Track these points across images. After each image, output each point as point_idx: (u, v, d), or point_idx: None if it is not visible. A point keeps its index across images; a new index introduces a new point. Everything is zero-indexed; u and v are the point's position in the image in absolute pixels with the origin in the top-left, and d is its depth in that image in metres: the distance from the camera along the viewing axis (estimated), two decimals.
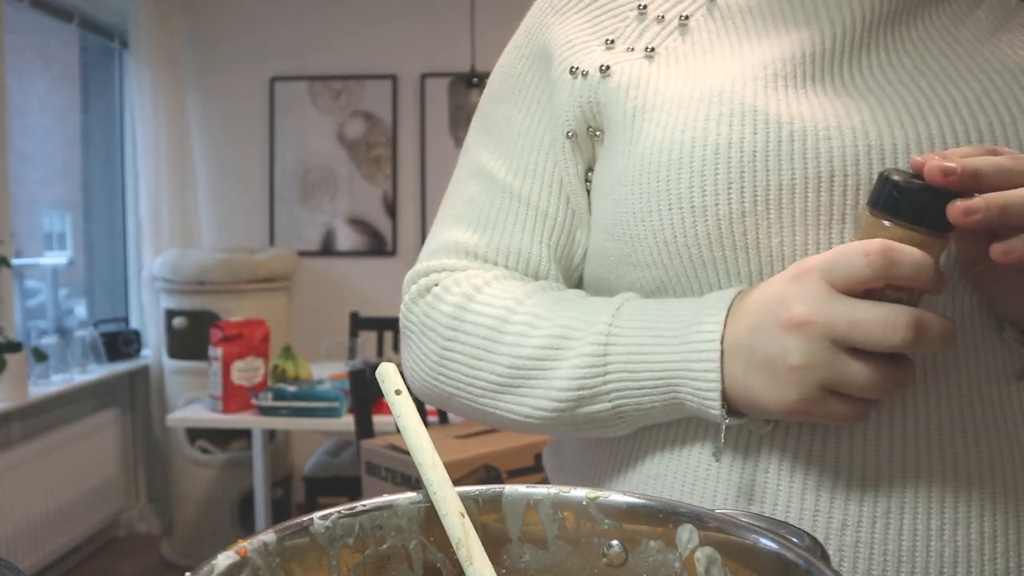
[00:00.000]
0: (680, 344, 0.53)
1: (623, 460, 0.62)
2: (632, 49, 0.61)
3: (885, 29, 0.57)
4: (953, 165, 0.43)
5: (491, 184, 0.67)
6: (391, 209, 3.76)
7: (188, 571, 0.34)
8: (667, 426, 0.59)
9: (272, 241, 3.78)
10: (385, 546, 0.42)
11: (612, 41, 0.62)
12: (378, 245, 3.77)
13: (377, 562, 0.41)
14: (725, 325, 0.51)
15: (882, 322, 0.44)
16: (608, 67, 0.60)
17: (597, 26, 0.63)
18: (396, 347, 3.48)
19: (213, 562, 0.36)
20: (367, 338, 3.47)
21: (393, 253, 3.77)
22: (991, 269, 0.48)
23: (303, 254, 3.70)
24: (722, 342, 0.51)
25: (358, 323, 3.45)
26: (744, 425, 0.55)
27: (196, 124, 3.75)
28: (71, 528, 2.97)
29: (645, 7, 0.62)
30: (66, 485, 2.93)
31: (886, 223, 0.46)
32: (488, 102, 0.70)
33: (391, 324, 3.46)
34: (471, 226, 0.67)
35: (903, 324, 0.44)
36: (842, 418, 0.48)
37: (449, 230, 0.69)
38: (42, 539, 2.79)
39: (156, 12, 3.41)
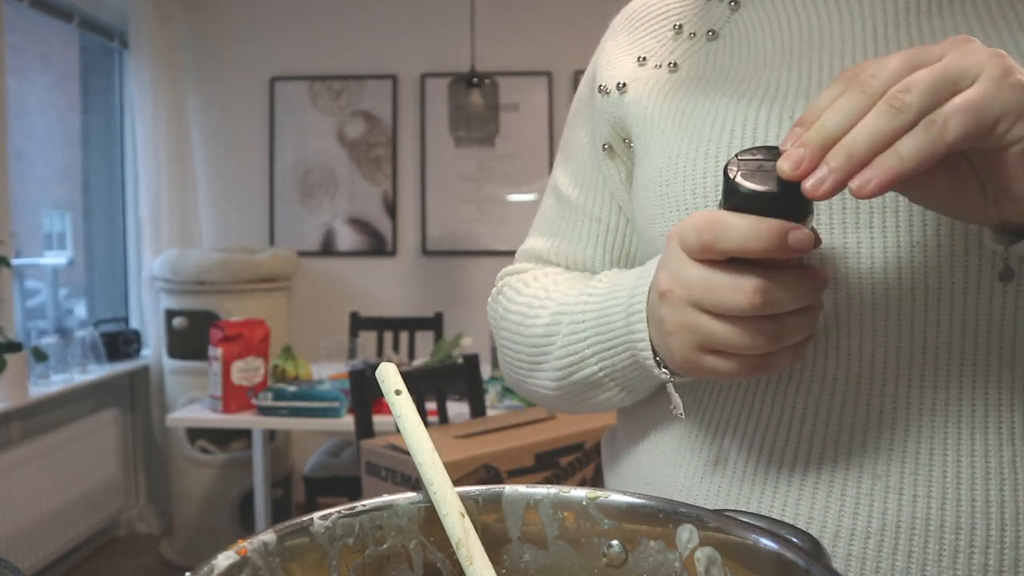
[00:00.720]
0: (625, 309, 0.55)
1: (643, 435, 0.66)
2: (659, 65, 0.65)
3: (911, 26, 0.54)
4: (801, 153, 0.40)
5: (558, 197, 0.74)
6: (391, 209, 3.76)
7: (188, 571, 0.34)
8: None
9: (272, 241, 3.77)
10: (385, 546, 0.42)
11: (644, 59, 0.66)
12: (378, 245, 3.77)
13: (377, 562, 0.41)
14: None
15: (729, 288, 0.44)
16: (624, 84, 0.65)
17: (636, 45, 0.68)
18: (396, 347, 3.48)
19: (213, 562, 0.36)
20: (367, 338, 3.47)
21: (393, 253, 3.77)
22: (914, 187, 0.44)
23: (303, 254, 3.70)
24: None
25: (358, 323, 3.45)
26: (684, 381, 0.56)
27: (196, 124, 3.75)
28: (71, 528, 2.97)
29: (681, 26, 0.65)
30: (66, 485, 2.93)
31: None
32: (566, 126, 0.77)
33: (391, 324, 3.46)
34: (542, 234, 0.75)
35: (750, 289, 0.44)
36: (725, 374, 0.48)
37: (529, 239, 0.78)
38: (42, 539, 2.78)
39: (156, 12, 3.41)
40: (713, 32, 0.63)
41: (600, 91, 0.68)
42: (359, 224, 3.77)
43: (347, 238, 3.77)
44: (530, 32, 3.69)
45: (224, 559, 0.36)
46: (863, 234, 0.51)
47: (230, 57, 3.76)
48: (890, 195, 0.50)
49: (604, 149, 0.68)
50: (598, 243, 0.70)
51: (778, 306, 0.44)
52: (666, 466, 0.62)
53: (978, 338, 0.51)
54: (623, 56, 0.68)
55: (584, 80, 0.74)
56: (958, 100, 0.38)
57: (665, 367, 0.53)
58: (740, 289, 0.44)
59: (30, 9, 2.99)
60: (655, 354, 0.53)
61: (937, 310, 0.51)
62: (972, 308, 0.50)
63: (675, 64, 0.64)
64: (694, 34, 0.64)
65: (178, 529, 3.24)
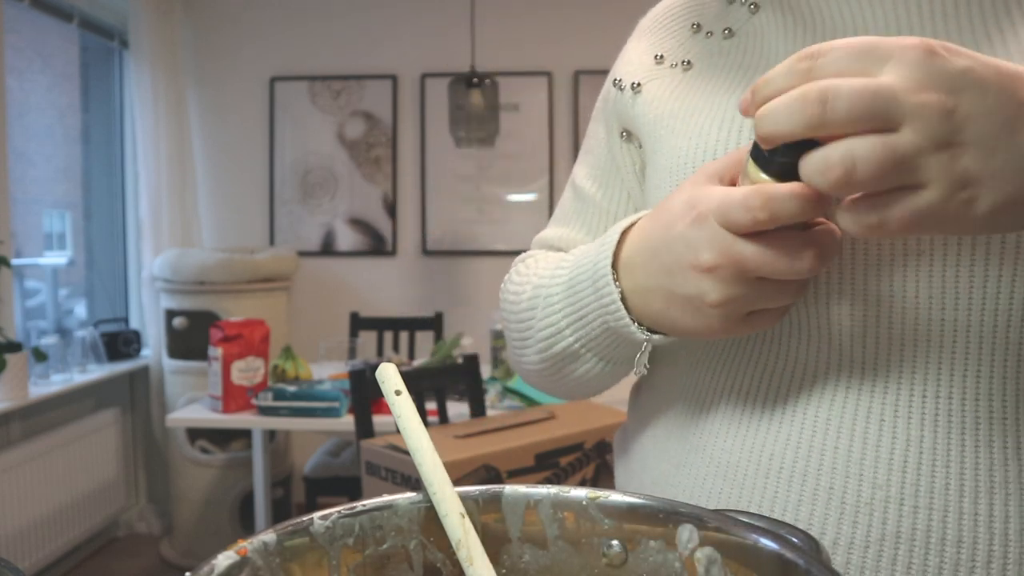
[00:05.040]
0: (591, 277, 0.57)
1: (651, 435, 0.66)
2: (674, 64, 0.65)
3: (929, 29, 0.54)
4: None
5: (574, 188, 0.76)
6: (391, 209, 3.76)
7: (188, 571, 0.34)
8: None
9: (272, 241, 3.77)
10: (385, 546, 0.42)
11: (662, 57, 0.67)
12: (378, 245, 3.77)
13: (377, 562, 0.41)
14: (617, 254, 0.55)
15: (787, 256, 0.46)
16: (639, 84, 0.66)
17: (657, 44, 0.68)
18: (396, 347, 3.48)
19: (213, 562, 0.36)
20: (367, 338, 3.47)
21: (393, 253, 3.77)
22: None
23: (303, 254, 3.70)
24: (615, 268, 0.55)
25: (358, 323, 3.45)
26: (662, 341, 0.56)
27: (196, 124, 3.75)
28: (71, 528, 2.97)
29: (699, 25, 0.66)
30: (66, 485, 2.93)
31: (763, 176, 0.45)
32: (590, 122, 0.78)
33: (391, 324, 3.46)
34: (556, 223, 0.78)
35: (809, 255, 0.45)
36: (766, 326, 0.52)
37: (546, 229, 0.80)
38: (42, 539, 2.79)
39: (156, 12, 3.41)
40: (729, 31, 0.63)
41: (615, 85, 0.69)
42: (359, 224, 3.77)
43: (347, 238, 3.77)
44: (530, 32, 3.69)
45: (224, 559, 0.36)
46: (910, 264, 0.51)
47: (230, 57, 3.76)
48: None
49: (622, 137, 0.69)
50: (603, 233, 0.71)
51: (829, 262, 0.47)
52: (670, 467, 0.62)
53: (982, 352, 0.50)
54: (643, 55, 0.68)
55: (608, 79, 0.75)
56: None
57: (645, 328, 0.54)
58: (800, 256, 0.46)
59: (30, 9, 2.99)
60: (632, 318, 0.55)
61: (954, 323, 0.50)
62: (989, 323, 0.50)
63: (689, 62, 0.64)
64: (711, 33, 0.64)
65: (178, 529, 3.24)
